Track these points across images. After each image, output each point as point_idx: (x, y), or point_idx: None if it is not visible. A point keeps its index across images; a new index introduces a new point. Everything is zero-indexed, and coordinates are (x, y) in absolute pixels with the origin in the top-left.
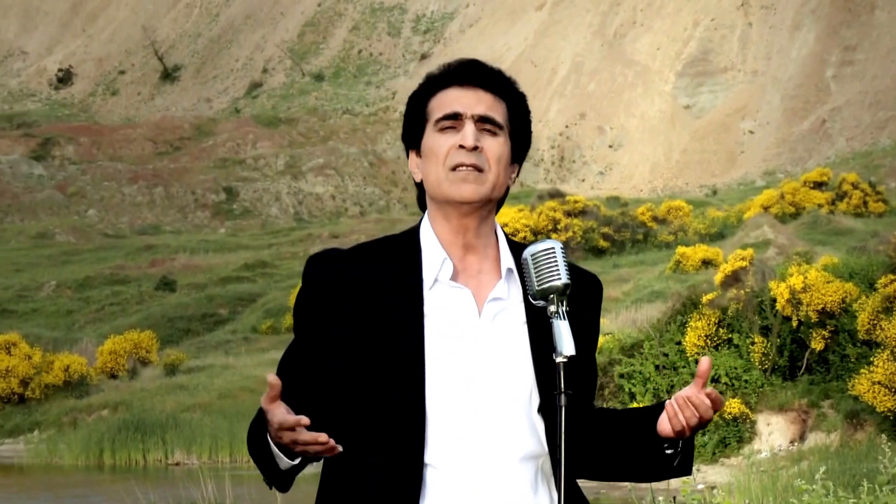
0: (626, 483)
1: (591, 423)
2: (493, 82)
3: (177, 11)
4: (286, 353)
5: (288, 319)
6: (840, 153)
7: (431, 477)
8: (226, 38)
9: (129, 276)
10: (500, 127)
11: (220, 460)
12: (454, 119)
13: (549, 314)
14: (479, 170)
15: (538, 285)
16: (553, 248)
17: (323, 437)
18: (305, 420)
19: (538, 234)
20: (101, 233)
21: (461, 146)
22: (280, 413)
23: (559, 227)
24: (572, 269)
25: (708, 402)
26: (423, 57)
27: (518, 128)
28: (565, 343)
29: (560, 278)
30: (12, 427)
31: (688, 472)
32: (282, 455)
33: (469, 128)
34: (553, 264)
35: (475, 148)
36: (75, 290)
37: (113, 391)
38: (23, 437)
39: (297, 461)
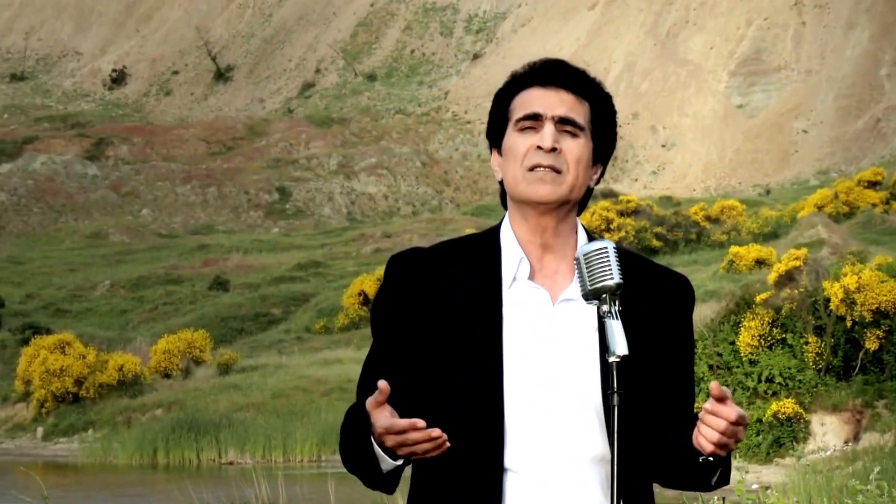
0: None
1: (669, 429)
2: (576, 83)
3: (230, 12)
4: (370, 355)
5: (340, 319)
6: (894, 152)
7: (511, 481)
8: (279, 39)
9: (182, 275)
10: (580, 128)
11: (274, 460)
12: (534, 119)
13: (601, 314)
14: (557, 171)
15: (590, 285)
16: (605, 247)
17: (436, 431)
18: (421, 423)
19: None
20: (155, 233)
21: (539, 147)
22: (385, 417)
23: (612, 226)
24: (659, 269)
25: (713, 419)
26: (476, 57)
27: (601, 128)
28: (618, 343)
29: (612, 278)
30: (67, 426)
31: (725, 483)
32: (385, 456)
33: (548, 129)
34: (606, 264)
35: (553, 149)
36: (129, 290)
37: (166, 390)
38: (77, 436)
39: (399, 461)
